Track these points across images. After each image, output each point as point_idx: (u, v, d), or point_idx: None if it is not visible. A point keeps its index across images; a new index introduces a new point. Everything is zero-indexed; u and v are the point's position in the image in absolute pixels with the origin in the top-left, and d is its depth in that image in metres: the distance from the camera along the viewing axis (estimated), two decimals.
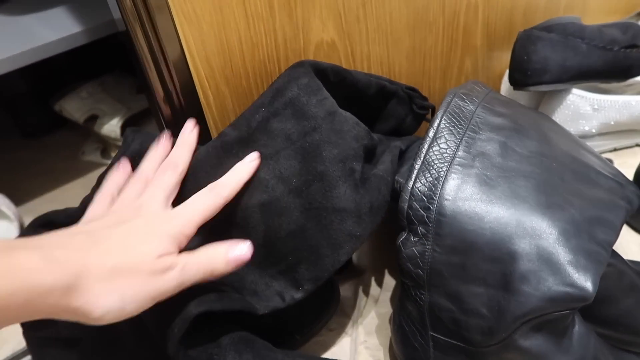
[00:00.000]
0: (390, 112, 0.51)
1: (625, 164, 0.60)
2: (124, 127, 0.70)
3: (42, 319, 0.29)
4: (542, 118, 0.47)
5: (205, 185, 0.39)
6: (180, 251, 0.35)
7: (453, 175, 0.38)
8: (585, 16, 0.68)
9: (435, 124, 0.41)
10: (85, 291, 0.30)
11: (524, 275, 0.35)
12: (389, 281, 0.53)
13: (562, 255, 0.35)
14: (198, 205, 0.37)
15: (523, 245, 0.35)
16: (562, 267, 0.35)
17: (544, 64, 0.55)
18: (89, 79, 0.74)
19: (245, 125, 0.42)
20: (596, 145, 0.63)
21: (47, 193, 0.69)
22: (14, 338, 0.50)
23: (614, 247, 0.38)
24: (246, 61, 0.48)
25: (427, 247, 0.38)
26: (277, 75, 0.45)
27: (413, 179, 0.39)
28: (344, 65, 0.54)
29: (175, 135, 0.43)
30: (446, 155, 0.39)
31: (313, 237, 0.39)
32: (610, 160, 0.47)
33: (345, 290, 0.52)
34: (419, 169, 0.39)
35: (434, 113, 0.50)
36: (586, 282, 0.34)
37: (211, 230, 0.39)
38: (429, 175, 0.39)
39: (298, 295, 0.40)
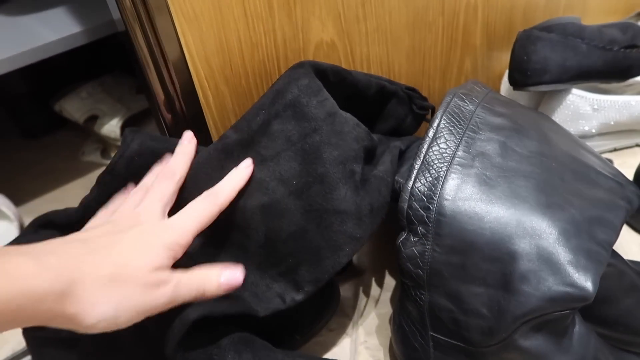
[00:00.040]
0: (390, 112, 0.51)
1: (625, 164, 0.60)
2: (123, 127, 0.69)
3: None
4: (542, 118, 0.47)
5: (206, 189, 0.38)
6: (176, 263, 0.35)
7: (453, 175, 0.38)
8: (585, 16, 0.68)
9: (435, 124, 0.41)
10: (80, 298, 0.30)
11: (524, 275, 0.35)
12: (389, 281, 0.53)
13: (562, 255, 0.35)
14: (193, 214, 0.37)
15: (523, 245, 0.35)
16: (562, 267, 0.35)
17: (544, 64, 0.55)
18: (89, 79, 0.74)
19: (246, 127, 0.42)
20: (596, 145, 0.63)
21: (47, 193, 0.69)
22: (14, 338, 0.50)
23: (614, 247, 0.38)
24: (245, 61, 0.48)
25: (427, 247, 0.38)
26: (277, 75, 0.45)
27: (413, 179, 0.39)
28: (344, 65, 0.54)
29: (178, 135, 0.43)
30: (446, 155, 0.39)
31: (313, 239, 0.39)
32: (610, 160, 0.46)
33: (345, 290, 0.52)
34: (419, 169, 0.39)
35: (433, 113, 0.50)
36: (586, 282, 0.34)
37: (212, 232, 0.38)
38: (428, 175, 0.39)
39: (298, 297, 0.40)
